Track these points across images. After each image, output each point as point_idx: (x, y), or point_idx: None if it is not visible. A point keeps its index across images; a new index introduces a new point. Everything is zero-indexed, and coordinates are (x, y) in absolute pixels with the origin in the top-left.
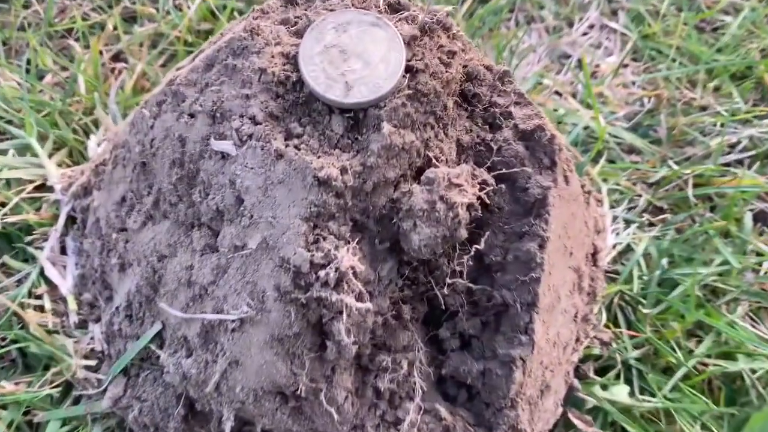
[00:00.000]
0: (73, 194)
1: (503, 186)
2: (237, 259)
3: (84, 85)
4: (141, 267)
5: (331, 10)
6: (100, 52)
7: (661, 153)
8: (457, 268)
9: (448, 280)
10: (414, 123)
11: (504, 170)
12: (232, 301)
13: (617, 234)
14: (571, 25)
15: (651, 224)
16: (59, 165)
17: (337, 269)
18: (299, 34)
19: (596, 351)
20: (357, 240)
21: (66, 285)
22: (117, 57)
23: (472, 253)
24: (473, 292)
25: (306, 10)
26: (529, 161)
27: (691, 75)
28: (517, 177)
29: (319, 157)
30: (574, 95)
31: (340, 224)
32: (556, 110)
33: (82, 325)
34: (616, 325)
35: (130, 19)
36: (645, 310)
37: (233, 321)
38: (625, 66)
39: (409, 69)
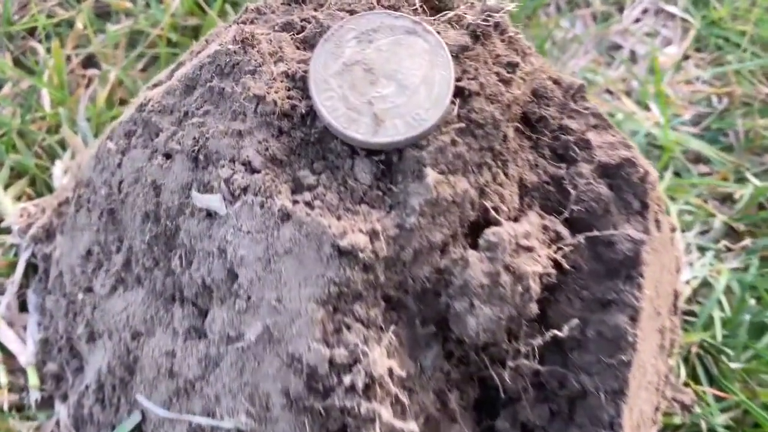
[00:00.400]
0: (34, 237)
1: (581, 239)
2: (232, 351)
3: (48, 97)
4: (113, 342)
5: (350, 12)
6: (68, 57)
7: (734, 162)
8: (523, 349)
9: (510, 363)
10: (467, 165)
11: (584, 218)
12: (227, 405)
13: (691, 265)
14: (621, 9)
15: (728, 249)
16: (18, 198)
17: (367, 373)
18: (308, 45)
19: (677, 419)
20: (392, 324)
21: (26, 353)
22: (89, 62)
23: (548, 337)
24: (540, 373)
25: (316, 10)
26: (615, 205)
27: (767, 67)
28: (599, 225)
29: (339, 218)
30: (628, 94)
31: (369, 306)
32: (612, 115)
33: (46, 403)
34: (696, 380)
35: (104, 15)
36: (732, 365)
37: (228, 430)
38: (686, 58)
39: (459, 92)
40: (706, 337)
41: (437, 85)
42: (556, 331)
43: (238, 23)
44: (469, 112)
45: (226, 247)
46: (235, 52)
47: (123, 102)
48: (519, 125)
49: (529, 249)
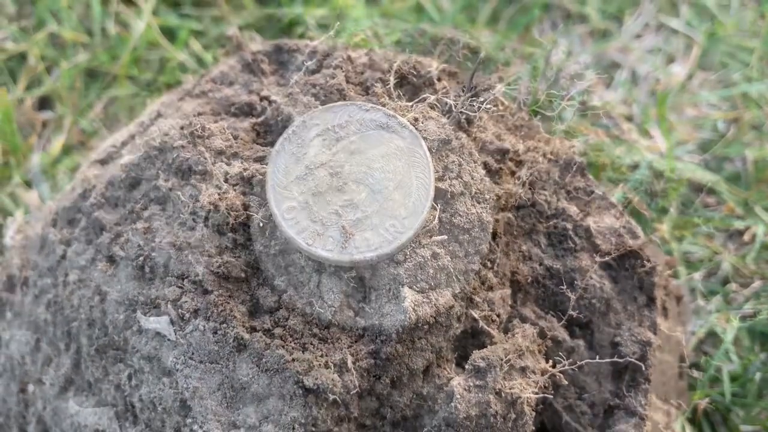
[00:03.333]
0: None
1: (581, 342)
2: None
3: None
4: None
5: (314, 95)
6: (20, 99)
7: (741, 195)
8: None
9: None
10: (450, 276)
11: (584, 316)
12: None
13: (697, 313)
14: (621, 22)
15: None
16: None
17: None
18: (268, 130)
19: None
20: None
21: None
22: (45, 103)
23: None
24: None
25: (278, 84)
26: (619, 301)
27: None
28: (600, 324)
29: (304, 348)
30: (628, 118)
31: None
32: (607, 147)
33: None
34: None
35: (58, 45)
36: (744, 429)
37: None
38: (691, 76)
39: (440, 193)
40: (713, 394)
41: (414, 190)
42: None
43: (192, 95)
44: (453, 217)
45: (177, 375)
46: (183, 146)
47: (87, 146)
48: (510, 214)
49: (523, 369)
